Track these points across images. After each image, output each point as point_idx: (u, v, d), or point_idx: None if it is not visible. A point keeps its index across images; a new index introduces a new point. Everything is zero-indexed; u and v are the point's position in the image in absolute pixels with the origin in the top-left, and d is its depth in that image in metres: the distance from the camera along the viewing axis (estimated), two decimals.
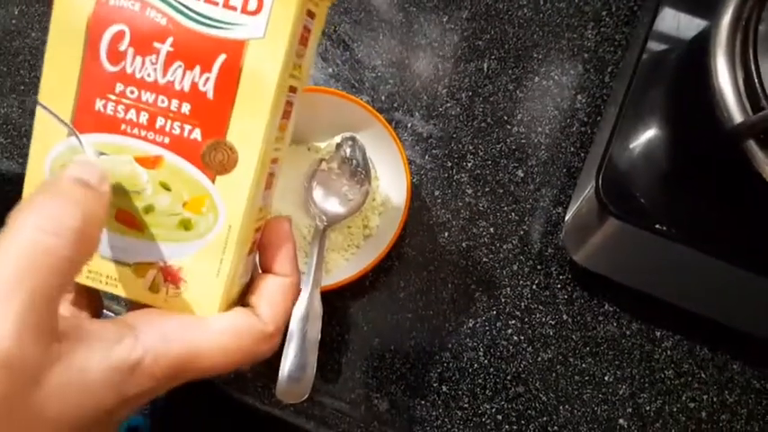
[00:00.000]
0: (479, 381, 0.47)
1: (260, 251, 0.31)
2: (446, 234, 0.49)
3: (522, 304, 0.48)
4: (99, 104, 0.27)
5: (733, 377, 0.47)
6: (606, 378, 0.47)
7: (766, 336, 0.45)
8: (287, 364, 0.40)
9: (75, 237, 0.22)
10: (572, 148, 0.51)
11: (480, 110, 0.52)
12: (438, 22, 0.54)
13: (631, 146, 0.39)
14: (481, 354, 0.47)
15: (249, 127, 0.27)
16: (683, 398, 0.47)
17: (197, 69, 0.26)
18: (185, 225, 0.28)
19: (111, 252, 0.28)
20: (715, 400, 0.47)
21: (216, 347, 0.26)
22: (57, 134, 0.27)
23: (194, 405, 0.55)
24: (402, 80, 0.52)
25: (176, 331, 0.26)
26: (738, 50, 0.34)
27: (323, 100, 0.46)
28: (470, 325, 0.48)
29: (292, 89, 0.28)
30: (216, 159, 0.27)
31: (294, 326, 0.41)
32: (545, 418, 0.47)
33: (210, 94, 0.26)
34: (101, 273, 0.28)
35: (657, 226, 0.37)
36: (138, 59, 0.26)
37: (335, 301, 0.48)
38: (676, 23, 0.42)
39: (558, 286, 0.49)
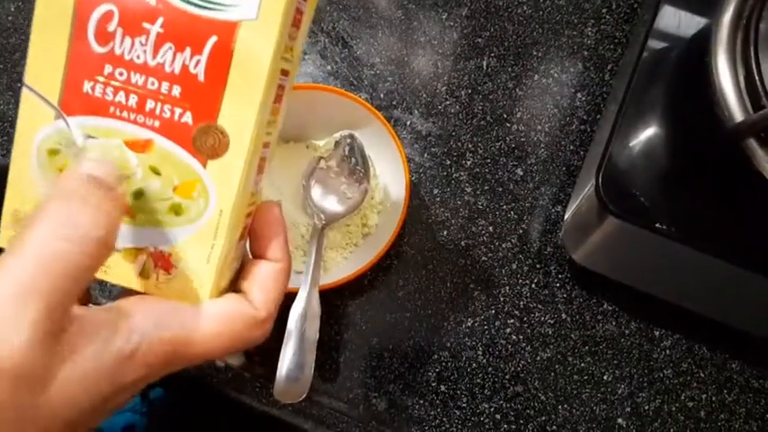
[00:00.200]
0: (478, 380, 0.47)
1: (251, 237, 0.31)
2: (445, 233, 0.49)
3: (521, 303, 0.48)
4: (87, 86, 0.26)
5: (732, 376, 0.47)
6: (605, 377, 0.47)
7: (765, 335, 0.45)
8: (285, 364, 0.40)
9: (94, 244, 0.22)
10: (571, 147, 0.51)
11: (480, 108, 0.51)
12: (437, 20, 0.53)
13: (631, 144, 0.39)
14: (480, 353, 0.47)
15: (241, 110, 0.26)
16: (682, 397, 0.47)
17: (188, 51, 0.26)
18: (176, 210, 0.27)
19: None
20: (714, 399, 0.47)
21: (208, 334, 0.26)
22: (43, 117, 0.27)
23: (191, 404, 0.55)
24: (401, 78, 0.52)
25: (169, 318, 0.25)
26: (739, 48, 0.34)
27: (321, 97, 0.45)
28: (469, 324, 0.48)
29: (284, 72, 0.28)
30: (207, 143, 0.26)
31: (292, 325, 0.41)
32: (544, 418, 0.47)
33: (201, 77, 0.26)
34: None
35: (657, 225, 0.37)
36: (128, 40, 0.26)
37: (334, 300, 0.48)
38: (677, 21, 0.42)
39: (557, 285, 0.48)
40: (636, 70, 0.41)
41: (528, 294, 0.48)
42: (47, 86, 0.26)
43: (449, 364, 0.47)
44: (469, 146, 0.51)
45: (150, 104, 0.26)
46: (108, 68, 0.26)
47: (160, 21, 0.25)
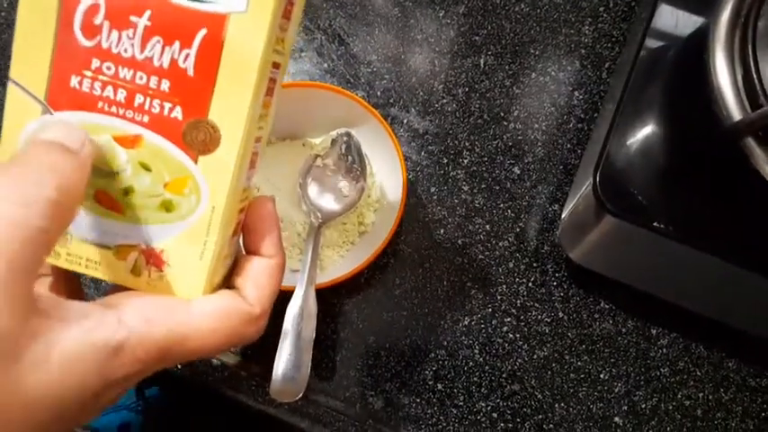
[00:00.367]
0: (475, 379, 0.47)
1: (244, 232, 0.30)
2: (442, 231, 0.49)
3: (518, 302, 0.48)
4: (74, 81, 0.26)
5: (728, 375, 0.47)
6: (602, 376, 0.47)
7: (762, 334, 0.45)
8: (281, 363, 0.40)
9: (48, 207, 0.22)
10: (569, 145, 0.51)
11: (477, 106, 0.51)
12: (434, 18, 0.53)
13: (629, 143, 0.39)
14: (476, 351, 0.47)
15: (232, 105, 0.26)
16: (679, 396, 0.47)
17: (176, 45, 0.25)
18: (167, 206, 0.27)
19: (91, 234, 0.28)
20: (710, 397, 0.47)
21: (202, 330, 0.26)
22: (30, 112, 0.26)
23: (187, 403, 0.55)
24: (398, 76, 0.52)
25: (160, 314, 0.25)
26: (737, 47, 0.34)
27: (318, 95, 0.45)
28: (466, 323, 0.48)
29: (276, 65, 0.27)
30: (198, 138, 0.26)
31: (288, 324, 0.41)
32: (540, 416, 0.46)
33: (191, 71, 0.25)
34: (80, 256, 0.28)
35: (655, 224, 0.37)
36: (115, 34, 0.25)
37: (330, 299, 0.47)
38: (674, 20, 0.42)
39: (554, 284, 0.48)
40: (633, 69, 0.40)
41: (525, 293, 0.48)
42: (33, 81, 0.26)
43: (445, 362, 0.47)
44: (466, 144, 0.51)
45: (139, 99, 0.26)
46: (95, 62, 0.26)
47: (148, 13, 0.25)
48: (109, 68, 0.26)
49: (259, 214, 0.30)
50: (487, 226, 0.49)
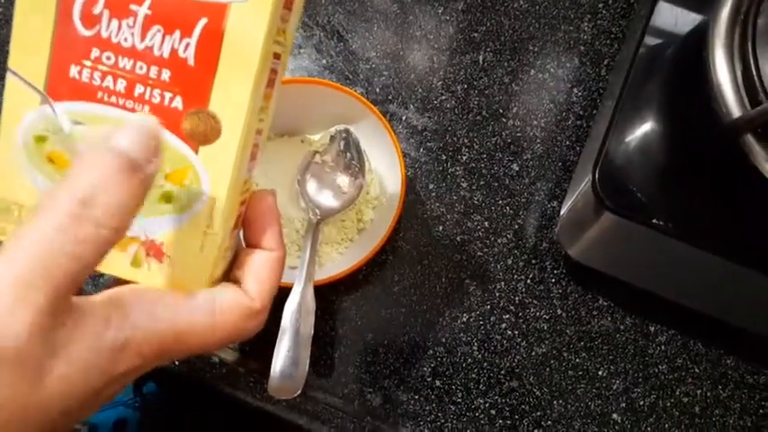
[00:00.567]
0: (473, 375, 0.47)
1: (244, 226, 0.30)
2: (440, 228, 0.49)
3: (517, 299, 0.48)
4: (74, 71, 0.26)
5: (726, 372, 0.47)
6: (600, 373, 0.47)
7: (760, 331, 0.45)
8: (279, 360, 0.40)
9: (87, 233, 0.21)
10: (567, 142, 0.50)
11: (476, 103, 0.51)
12: (433, 14, 0.53)
13: (628, 140, 0.39)
14: (475, 348, 0.47)
15: (233, 95, 0.25)
16: (677, 393, 0.47)
17: (177, 34, 0.25)
18: (167, 198, 0.27)
19: None
20: (708, 394, 0.47)
21: (203, 325, 0.26)
22: (29, 102, 0.26)
23: (185, 399, 0.55)
24: (397, 72, 0.52)
25: (163, 309, 0.25)
26: (737, 44, 0.34)
27: (317, 91, 0.45)
28: (464, 319, 0.48)
29: (277, 56, 0.27)
30: (198, 129, 0.26)
31: (287, 320, 0.40)
32: (539, 413, 0.47)
33: (191, 61, 0.25)
34: None
35: (654, 221, 0.37)
36: (114, 23, 0.25)
37: (329, 296, 0.47)
38: (674, 17, 0.42)
39: (553, 281, 0.48)
40: (632, 66, 0.40)
41: (523, 290, 0.48)
42: (32, 71, 0.26)
43: (444, 359, 0.47)
44: (465, 141, 0.50)
45: (139, 89, 0.26)
46: (95, 52, 0.25)
47: (147, 2, 0.25)
48: (109, 58, 0.25)
49: (260, 207, 0.30)
50: (486, 223, 0.49)
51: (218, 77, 0.25)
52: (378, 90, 0.51)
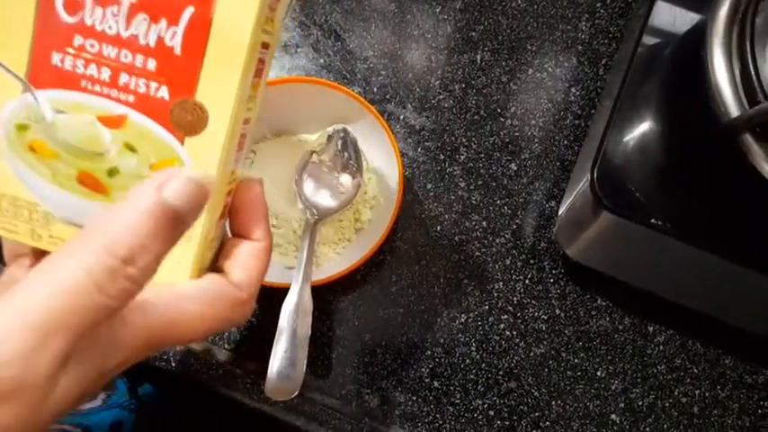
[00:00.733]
0: (471, 376, 0.47)
1: (231, 215, 0.30)
2: (438, 228, 0.49)
3: (515, 299, 0.48)
4: (56, 58, 0.25)
5: (725, 372, 0.47)
6: (599, 373, 0.47)
7: (759, 331, 0.45)
8: (276, 361, 0.40)
9: (140, 288, 0.21)
10: (565, 142, 0.50)
11: (473, 102, 0.51)
12: (431, 13, 0.53)
13: (626, 139, 0.39)
14: (473, 349, 0.47)
15: (220, 85, 0.25)
16: (676, 393, 0.47)
17: (163, 22, 0.24)
18: None
19: (74, 216, 0.27)
20: (707, 394, 0.47)
21: (191, 316, 0.26)
22: (10, 90, 0.26)
23: (181, 401, 0.54)
24: (394, 71, 0.52)
25: (152, 301, 0.25)
26: (735, 43, 0.34)
27: (314, 91, 0.45)
28: (462, 320, 0.47)
29: (265, 45, 0.27)
30: (185, 119, 0.25)
31: (284, 321, 0.40)
32: (537, 414, 0.46)
33: (178, 50, 0.25)
34: (64, 238, 0.27)
35: (653, 220, 0.37)
36: (99, 10, 0.24)
37: (326, 296, 0.47)
38: (672, 16, 0.42)
39: (551, 281, 0.48)
40: (631, 65, 0.40)
41: (522, 290, 0.48)
42: (13, 58, 0.25)
43: (442, 360, 0.47)
44: (463, 140, 0.50)
45: (124, 78, 0.25)
46: (78, 40, 0.25)
47: None
48: (92, 46, 0.25)
49: (247, 197, 0.30)
50: (484, 222, 0.49)
51: (205, 67, 0.25)
52: (375, 89, 0.51)
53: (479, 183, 0.50)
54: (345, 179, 0.45)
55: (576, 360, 0.47)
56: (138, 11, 0.24)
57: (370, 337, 0.47)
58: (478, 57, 0.52)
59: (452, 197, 0.49)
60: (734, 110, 0.33)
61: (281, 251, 0.46)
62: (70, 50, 0.25)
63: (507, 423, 0.46)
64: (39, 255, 0.29)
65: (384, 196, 0.47)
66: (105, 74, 0.25)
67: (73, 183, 0.26)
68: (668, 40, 0.41)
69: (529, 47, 0.52)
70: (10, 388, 0.19)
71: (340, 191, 0.45)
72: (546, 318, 0.48)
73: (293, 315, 0.40)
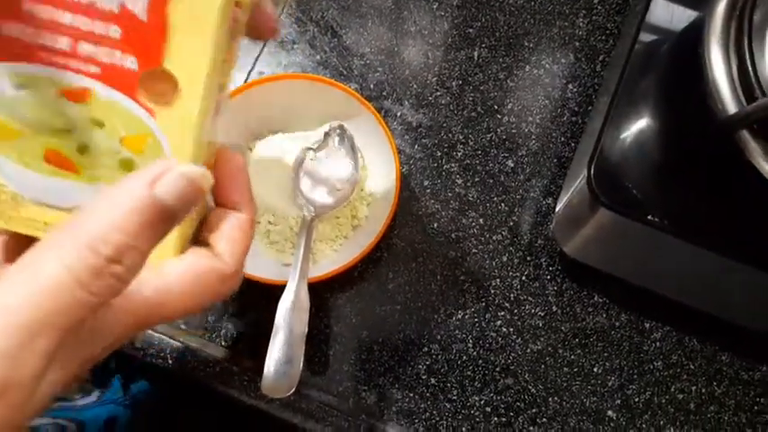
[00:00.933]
0: (468, 373, 0.47)
1: (214, 187, 0.29)
2: (435, 225, 0.49)
3: (512, 296, 0.48)
4: (8, 28, 0.23)
5: (721, 368, 0.47)
6: (595, 369, 0.47)
7: (755, 328, 0.45)
8: (273, 358, 0.39)
9: (125, 285, 0.21)
10: (563, 138, 0.50)
11: (470, 99, 0.51)
12: (428, 9, 0.53)
13: (623, 136, 0.39)
14: (470, 345, 0.47)
15: (191, 51, 0.23)
16: (672, 389, 0.47)
17: None
18: (126, 166, 0.25)
19: (43, 196, 0.26)
20: (703, 391, 0.47)
21: (178, 293, 0.25)
22: None
23: (177, 397, 0.54)
24: (391, 68, 0.51)
25: (137, 284, 0.24)
26: (733, 39, 0.34)
27: (311, 87, 0.45)
28: (459, 316, 0.47)
29: (237, 3, 0.25)
30: (155, 90, 0.24)
31: (281, 318, 0.40)
32: (534, 410, 0.46)
33: (143, 16, 0.23)
34: (37, 219, 0.26)
35: (650, 217, 0.37)
36: None
37: (323, 293, 0.47)
38: (669, 13, 0.42)
39: (548, 278, 0.48)
40: (628, 62, 0.40)
41: (518, 287, 0.48)
42: None
43: (439, 356, 0.47)
44: (460, 137, 0.50)
45: (85, 47, 0.23)
46: (28, 5, 0.22)
47: None
48: (46, 12, 0.23)
49: (228, 168, 0.29)
50: (481, 219, 0.49)
51: (173, 33, 0.23)
52: (372, 86, 0.51)
53: (476, 180, 0.49)
54: (342, 176, 0.45)
55: (572, 357, 0.47)
56: None
57: (367, 334, 0.47)
58: (475, 53, 0.52)
59: (449, 194, 0.49)
60: (731, 106, 0.33)
61: (278, 248, 0.46)
62: (21, 18, 0.23)
63: (504, 419, 0.46)
64: (15, 240, 0.27)
65: (381, 193, 0.47)
66: (63, 43, 0.23)
67: (40, 162, 0.25)
68: (665, 36, 0.41)
69: (526, 43, 0.52)
70: None
71: (337, 188, 0.45)
72: (543, 314, 0.48)
73: (290, 312, 0.40)
